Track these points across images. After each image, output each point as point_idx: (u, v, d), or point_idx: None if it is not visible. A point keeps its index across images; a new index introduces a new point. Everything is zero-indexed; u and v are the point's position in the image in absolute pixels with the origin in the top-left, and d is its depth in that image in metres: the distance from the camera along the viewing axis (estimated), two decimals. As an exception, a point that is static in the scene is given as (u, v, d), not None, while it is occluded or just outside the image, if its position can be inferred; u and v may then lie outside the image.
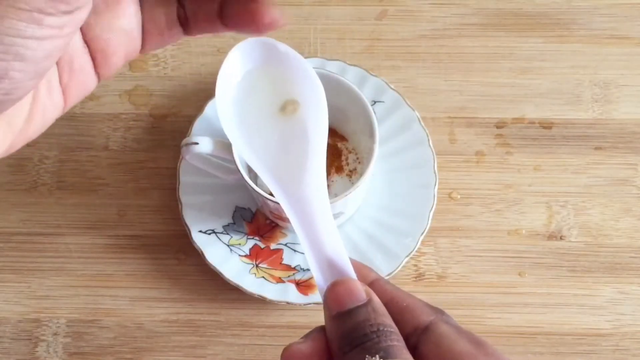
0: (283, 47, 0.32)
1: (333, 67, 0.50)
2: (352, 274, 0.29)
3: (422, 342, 0.26)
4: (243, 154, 0.30)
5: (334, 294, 0.28)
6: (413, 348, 0.26)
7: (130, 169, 0.51)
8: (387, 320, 0.27)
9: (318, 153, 0.29)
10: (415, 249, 0.47)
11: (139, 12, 0.28)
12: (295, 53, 0.32)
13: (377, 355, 0.25)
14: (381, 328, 0.26)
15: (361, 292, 0.27)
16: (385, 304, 0.28)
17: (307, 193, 0.29)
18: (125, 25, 0.28)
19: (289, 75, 0.31)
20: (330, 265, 0.29)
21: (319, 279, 0.29)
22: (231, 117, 0.30)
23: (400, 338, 0.26)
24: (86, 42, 0.28)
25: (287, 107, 0.30)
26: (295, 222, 0.29)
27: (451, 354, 0.26)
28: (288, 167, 0.30)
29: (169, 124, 0.52)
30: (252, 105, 0.30)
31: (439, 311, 0.28)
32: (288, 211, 0.29)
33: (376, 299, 0.27)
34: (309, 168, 0.29)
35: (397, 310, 0.28)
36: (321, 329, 0.28)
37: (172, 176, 0.50)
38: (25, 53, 0.23)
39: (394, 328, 0.26)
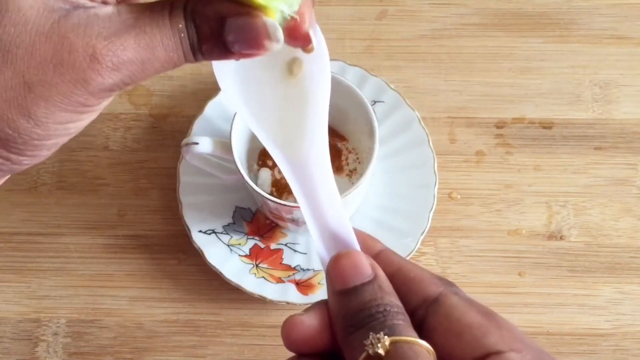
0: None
1: (333, 67, 0.50)
2: (356, 245, 0.28)
3: (430, 313, 0.26)
4: (241, 113, 0.29)
5: (338, 268, 0.26)
6: (421, 320, 0.26)
7: (130, 169, 0.51)
8: (394, 299, 0.26)
9: (319, 113, 0.28)
10: (415, 249, 0.47)
11: None
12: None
13: (382, 332, 0.24)
14: (388, 308, 0.25)
15: (366, 266, 0.26)
16: (391, 276, 0.27)
17: (308, 155, 0.28)
18: None
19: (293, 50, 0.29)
20: (333, 235, 0.28)
21: (321, 250, 0.28)
22: (230, 77, 0.29)
23: (406, 317, 0.25)
24: None
25: (291, 66, 0.29)
26: (296, 187, 0.28)
27: (461, 326, 0.25)
28: (288, 129, 0.29)
29: (169, 124, 0.52)
30: (253, 66, 0.29)
31: (448, 283, 0.27)
32: (288, 175, 0.28)
33: (382, 275, 0.26)
34: (309, 128, 0.28)
35: (404, 281, 0.27)
36: (324, 303, 0.27)
37: (172, 176, 0.50)
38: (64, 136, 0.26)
39: (400, 307, 0.25)
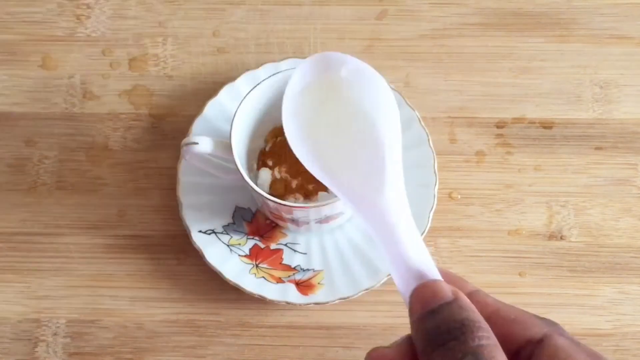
0: (350, 59, 0.30)
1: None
2: (439, 278, 0.27)
3: (535, 355, 0.25)
4: (312, 170, 0.29)
5: (418, 296, 0.26)
6: None
7: (130, 169, 0.51)
8: (475, 315, 0.24)
9: (395, 160, 0.28)
10: (416, 249, 0.46)
11: None
12: (363, 64, 0.30)
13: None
14: (466, 322, 0.24)
15: (447, 291, 0.25)
16: (488, 317, 0.26)
17: (387, 205, 0.28)
18: None
19: (358, 87, 0.29)
20: (415, 275, 0.27)
21: (402, 287, 0.27)
22: (298, 133, 0.29)
23: (491, 335, 0.24)
24: None
25: (356, 118, 0.29)
26: (376, 234, 0.28)
27: None
28: (363, 180, 0.28)
29: (169, 124, 0.52)
30: (321, 120, 0.29)
31: (552, 323, 0.26)
32: (368, 225, 0.28)
33: (464, 297, 0.25)
34: (388, 179, 0.28)
35: (505, 322, 0.26)
36: (408, 337, 0.26)
37: (172, 176, 0.50)
38: None
39: (482, 323, 0.24)
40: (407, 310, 0.27)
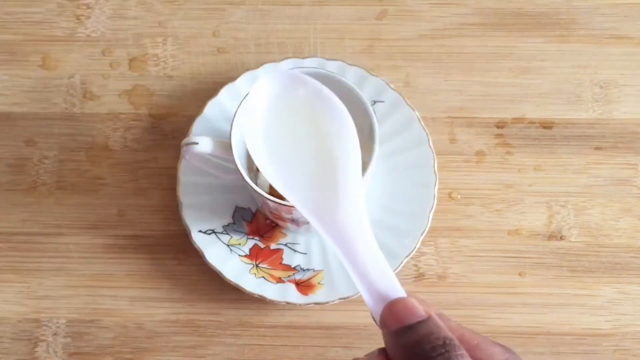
0: (309, 80, 0.31)
1: (333, 67, 0.49)
2: (404, 295, 0.28)
3: None
4: (277, 187, 0.29)
5: (391, 312, 0.27)
6: None
7: (130, 169, 0.51)
8: (450, 334, 0.26)
9: (351, 181, 0.29)
10: (415, 249, 0.47)
11: None
12: (321, 85, 0.31)
13: None
14: (448, 342, 0.25)
15: (419, 309, 0.27)
16: (460, 340, 0.27)
17: (345, 222, 0.29)
18: None
19: (316, 107, 0.30)
20: (381, 291, 0.28)
21: (369, 301, 0.28)
22: (261, 149, 0.29)
23: (466, 353, 0.25)
24: None
25: (312, 138, 0.30)
26: (338, 250, 0.29)
27: None
28: (323, 198, 0.29)
29: (169, 124, 0.52)
30: (282, 137, 0.30)
31: (510, 351, 0.27)
32: (329, 241, 0.29)
33: (436, 317, 0.27)
34: (342, 198, 0.29)
35: (469, 348, 0.27)
36: (382, 351, 0.27)
37: (172, 176, 0.50)
38: None
39: (457, 341, 0.26)
40: (376, 325, 0.28)
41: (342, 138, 0.30)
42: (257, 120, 0.30)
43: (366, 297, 0.28)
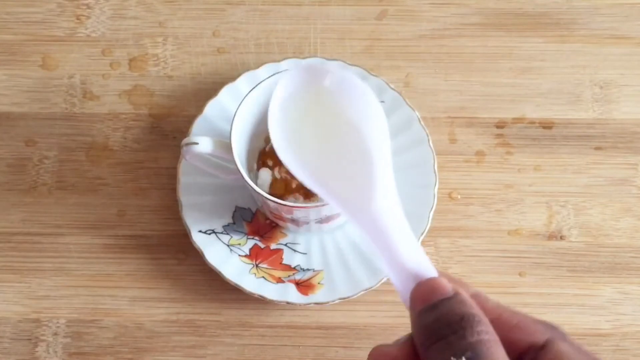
0: (334, 70, 0.30)
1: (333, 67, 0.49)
2: (435, 275, 0.27)
3: (538, 359, 0.25)
4: (301, 178, 0.29)
5: (418, 292, 0.26)
6: None
7: (130, 169, 0.51)
8: (475, 310, 0.24)
9: (385, 167, 0.28)
10: (415, 249, 0.46)
11: None
12: (347, 73, 0.30)
13: (464, 357, 0.23)
14: (466, 317, 0.24)
15: (446, 287, 0.25)
16: (491, 322, 0.25)
17: (380, 209, 0.28)
18: None
19: (343, 96, 0.29)
20: (412, 272, 0.27)
21: (401, 286, 0.27)
22: (285, 142, 0.29)
23: (491, 330, 0.24)
24: None
25: (343, 128, 0.29)
26: (371, 238, 0.28)
27: None
28: (357, 188, 0.28)
29: (169, 124, 0.52)
30: (310, 132, 0.29)
31: (554, 328, 0.26)
32: (362, 230, 0.28)
33: (464, 293, 0.25)
34: (379, 185, 0.28)
35: (506, 328, 0.26)
36: (410, 336, 0.26)
37: (172, 176, 0.50)
38: None
39: (482, 318, 0.24)
40: (407, 309, 0.27)
41: (373, 125, 0.29)
42: (283, 118, 0.29)
43: (397, 282, 0.27)
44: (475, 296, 0.27)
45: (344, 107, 0.29)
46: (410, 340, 0.26)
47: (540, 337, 0.25)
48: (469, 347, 0.23)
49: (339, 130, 0.29)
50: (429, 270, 0.27)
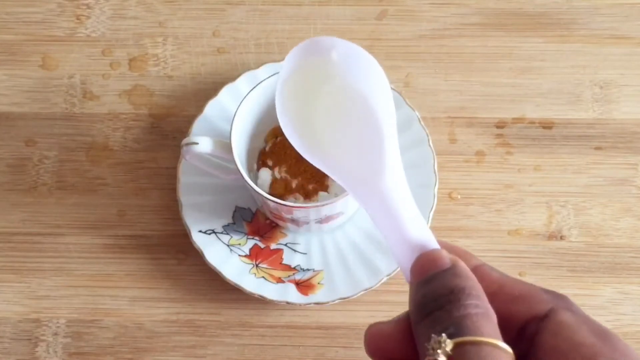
0: (341, 42, 0.29)
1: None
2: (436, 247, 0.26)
3: (540, 330, 0.23)
4: (308, 156, 0.28)
5: (416, 265, 0.25)
6: (531, 338, 0.24)
7: (130, 169, 0.51)
8: (467, 282, 0.23)
9: (394, 141, 0.27)
10: (415, 249, 0.46)
11: None
12: (353, 45, 0.29)
13: (444, 334, 0.21)
14: (455, 290, 0.22)
15: (443, 259, 0.24)
16: (493, 294, 0.24)
17: (388, 187, 0.27)
18: None
19: (351, 69, 0.29)
20: (417, 246, 0.26)
21: (404, 264, 0.26)
22: (292, 121, 0.28)
23: (483, 303, 0.23)
24: None
25: (351, 101, 0.28)
26: (377, 216, 0.27)
27: (570, 345, 0.23)
28: (367, 164, 0.27)
29: (169, 124, 0.52)
30: (315, 103, 0.28)
31: (559, 297, 0.25)
32: (368, 207, 0.27)
33: (461, 265, 0.24)
34: (389, 160, 0.27)
35: (509, 299, 0.24)
36: (407, 313, 0.25)
37: (172, 176, 0.50)
38: None
39: (474, 290, 0.23)
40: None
41: (380, 97, 0.28)
42: (289, 93, 0.29)
43: (402, 258, 0.26)
44: (479, 267, 0.26)
45: (351, 80, 0.28)
46: (406, 317, 0.25)
47: (543, 307, 0.24)
48: (452, 321, 0.22)
49: (347, 104, 0.28)
50: (432, 243, 0.26)
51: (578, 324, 0.24)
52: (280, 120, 0.29)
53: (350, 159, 0.28)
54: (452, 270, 0.24)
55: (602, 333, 0.24)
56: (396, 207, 0.27)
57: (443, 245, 0.26)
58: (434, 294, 0.23)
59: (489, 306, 0.23)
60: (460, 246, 0.27)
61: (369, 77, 0.28)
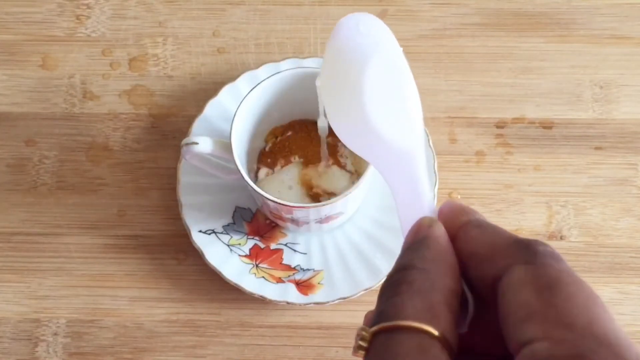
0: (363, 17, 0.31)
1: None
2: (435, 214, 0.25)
3: (496, 294, 0.22)
4: (351, 125, 0.29)
5: (405, 239, 0.25)
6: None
7: (130, 169, 0.51)
8: (417, 254, 0.22)
9: (415, 98, 0.28)
10: (415, 249, 0.46)
11: None
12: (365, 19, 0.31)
13: (363, 326, 0.21)
14: (403, 267, 0.22)
15: (421, 229, 0.24)
16: (470, 255, 0.23)
17: (415, 150, 0.27)
18: None
19: (362, 41, 0.30)
20: (426, 212, 0.26)
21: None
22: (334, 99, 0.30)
23: (429, 280, 0.21)
24: None
25: (392, 72, 0.30)
26: (396, 179, 0.27)
27: (509, 309, 0.21)
28: (398, 127, 0.28)
29: (169, 124, 0.52)
30: (360, 75, 0.30)
31: (524, 247, 0.23)
32: (391, 172, 0.28)
33: (435, 235, 0.23)
34: (417, 124, 0.28)
35: (480, 259, 0.23)
36: None
37: (172, 176, 0.50)
38: None
39: (423, 262, 0.22)
40: None
41: (403, 63, 0.30)
42: (331, 64, 0.30)
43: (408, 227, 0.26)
44: (464, 227, 0.24)
45: (383, 51, 0.30)
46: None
47: (502, 265, 0.22)
48: (381, 307, 0.21)
49: (389, 74, 0.29)
50: (431, 209, 0.26)
51: (524, 282, 0.21)
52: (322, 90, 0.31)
53: (387, 118, 0.28)
54: (427, 241, 0.23)
55: (550, 287, 0.22)
56: (419, 174, 0.27)
57: (444, 205, 0.26)
58: (390, 274, 0.23)
59: (435, 279, 0.22)
60: (461, 202, 0.27)
61: (395, 47, 0.30)
